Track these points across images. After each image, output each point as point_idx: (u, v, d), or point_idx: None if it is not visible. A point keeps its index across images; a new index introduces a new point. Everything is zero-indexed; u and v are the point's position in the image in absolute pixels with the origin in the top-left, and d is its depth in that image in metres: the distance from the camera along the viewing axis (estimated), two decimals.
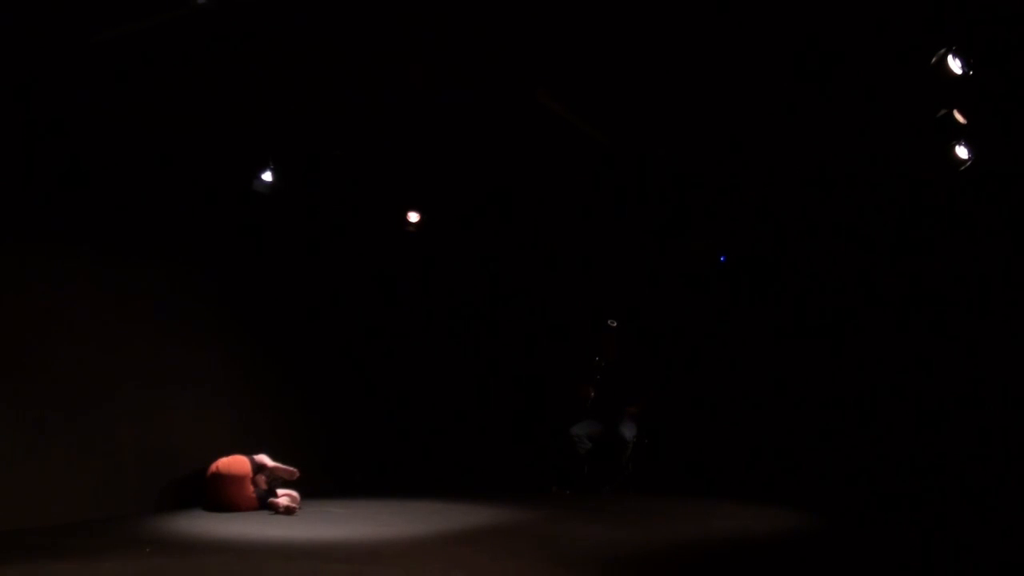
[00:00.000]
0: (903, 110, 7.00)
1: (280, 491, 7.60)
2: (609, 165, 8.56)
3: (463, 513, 7.48)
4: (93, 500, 6.96)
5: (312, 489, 8.01)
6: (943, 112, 6.70)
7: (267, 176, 8.08)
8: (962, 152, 7.06)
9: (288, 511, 7.33)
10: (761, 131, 7.72)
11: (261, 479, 7.63)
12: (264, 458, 7.75)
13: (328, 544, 5.95)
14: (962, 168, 7.14)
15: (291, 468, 7.78)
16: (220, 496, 7.49)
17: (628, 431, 9.31)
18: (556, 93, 7.04)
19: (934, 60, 5.93)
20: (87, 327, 7.12)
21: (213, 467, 7.60)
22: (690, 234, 10.13)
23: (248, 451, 7.78)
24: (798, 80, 6.71)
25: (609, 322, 9.83)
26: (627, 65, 6.53)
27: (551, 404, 10.38)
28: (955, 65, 5.93)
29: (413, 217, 9.55)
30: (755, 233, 9.88)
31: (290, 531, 6.50)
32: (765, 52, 6.31)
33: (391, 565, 5.22)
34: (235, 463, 7.62)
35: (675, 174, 8.79)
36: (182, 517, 7.10)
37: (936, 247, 8.81)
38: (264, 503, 7.50)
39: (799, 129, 7.62)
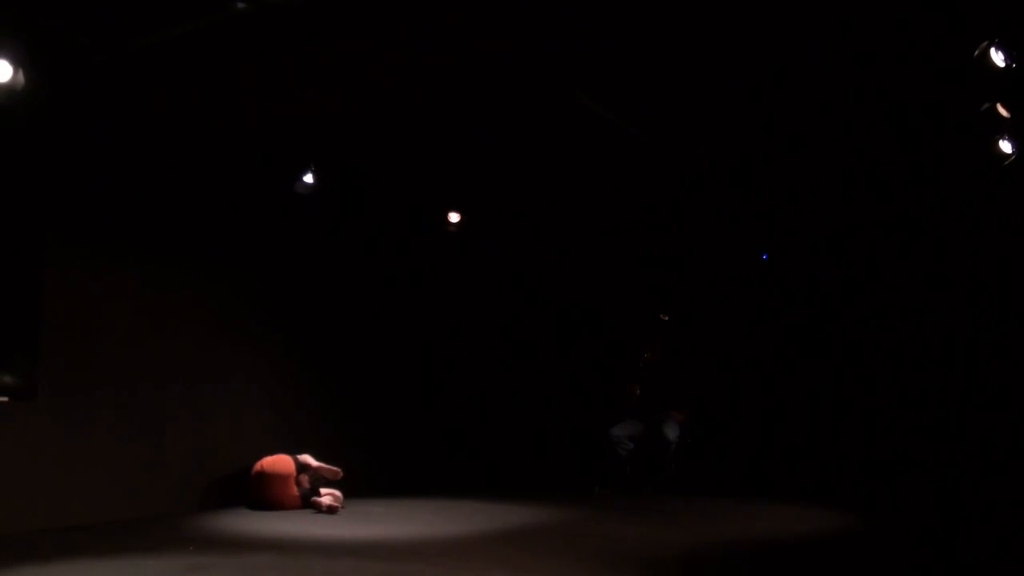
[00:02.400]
0: (945, 104, 6.91)
1: (323, 490, 7.65)
2: (652, 162, 8.51)
3: (505, 513, 7.49)
4: (139, 498, 7.05)
5: (355, 488, 8.05)
6: (986, 106, 6.60)
7: (308, 178, 8.15)
8: (1006, 147, 6.95)
9: (331, 510, 7.37)
10: (801, 127, 7.64)
11: (304, 478, 7.68)
12: (308, 458, 7.80)
13: (370, 543, 5.98)
14: (1006, 163, 7.03)
15: (335, 468, 7.82)
16: (264, 495, 7.56)
17: (671, 431, 9.27)
18: (594, 92, 7.02)
19: (977, 53, 5.84)
20: (134, 327, 7.21)
21: (257, 466, 7.67)
22: (734, 232, 10.06)
23: (292, 451, 7.85)
24: (839, 74, 6.62)
25: (660, 315, 9.80)
26: (665, 61, 6.49)
27: (595, 403, 10.36)
28: (998, 58, 5.84)
29: (454, 217, 9.56)
30: (797, 232, 9.79)
31: (333, 530, 6.54)
32: (805, 46, 6.23)
33: (432, 564, 5.23)
34: (279, 462, 7.68)
35: (717, 171, 8.73)
36: (226, 515, 7.17)
37: (980, 244, 8.68)
38: (307, 502, 7.55)
39: (840, 125, 7.53)
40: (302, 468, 7.71)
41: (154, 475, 7.22)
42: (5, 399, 6.41)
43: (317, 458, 7.86)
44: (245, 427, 8.03)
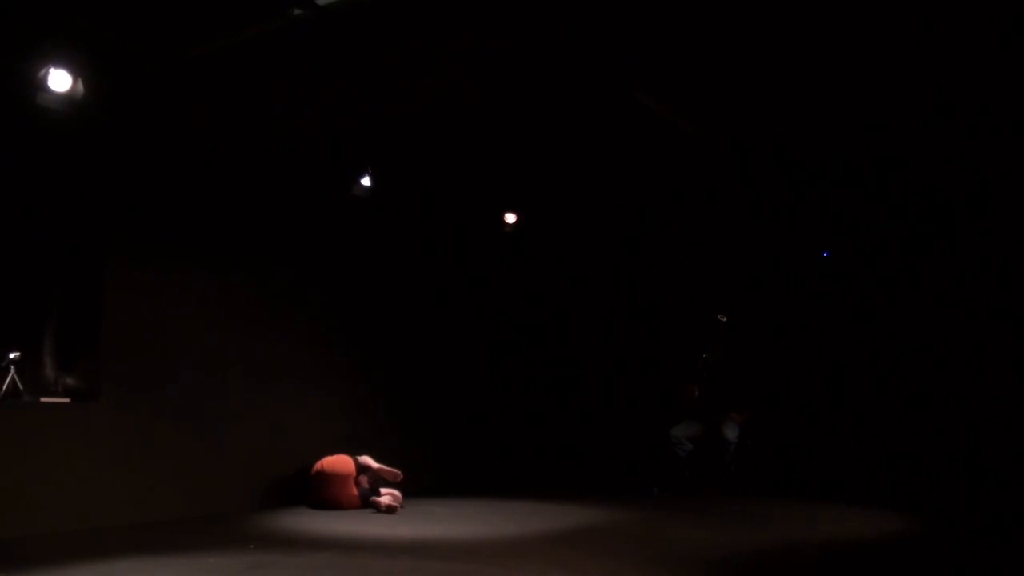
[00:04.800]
0: (1009, 100, 6.78)
1: (383, 490, 7.70)
2: (711, 159, 8.43)
3: (563, 513, 7.48)
4: (199, 497, 7.15)
5: (413, 488, 8.08)
6: None
7: (366, 181, 8.22)
8: None
9: (390, 510, 7.42)
10: (864, 123, 7.52)
11: (364, 479, 7.73)
12: (368, 459, 7.86)
13: (428, 542, 6.00)
14: None
15: (394, 470, 7.86)
16: (324, 494, 7.63)
17: (731, 431, 9.19)
18: (653, 89, 6.97)
19: None
20: (194, 329, 7.32)
21: (318, 465, 7.74)
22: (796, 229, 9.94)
23: (352, 451, 7.90)
24: (901, 70, 6.51)
25: (719, 316, 9.73)
26: (724, 57, 6.42)
27: (654, 403, 10.30)
28: None
29: (510, 218, 9.58)
30: (858, 229, 9.64)
31: (391, 529, 6.58)
32: (871, 39, 6.13)
33: (490, 564, 5.24)
34: (339, 462, 7.74)
35: (778, 167, 8.62)
36: (286, 514, 7.25)
37: None
38: (366, 502, 7.59)
39: (904, 120, 7.41)
40: (362, 469, 7.77)
41: (214, 474, 7.33)
42: (67, 400, 6.55)
43: (377, 458, 7.91)
44: (305, 427, 8.11)
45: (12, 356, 6.29)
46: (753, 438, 9.44)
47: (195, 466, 7.17)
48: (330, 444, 8.02)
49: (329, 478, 7.67)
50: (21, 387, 6.30)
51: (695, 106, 7.36)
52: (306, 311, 8.32)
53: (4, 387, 6.23)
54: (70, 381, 6.66)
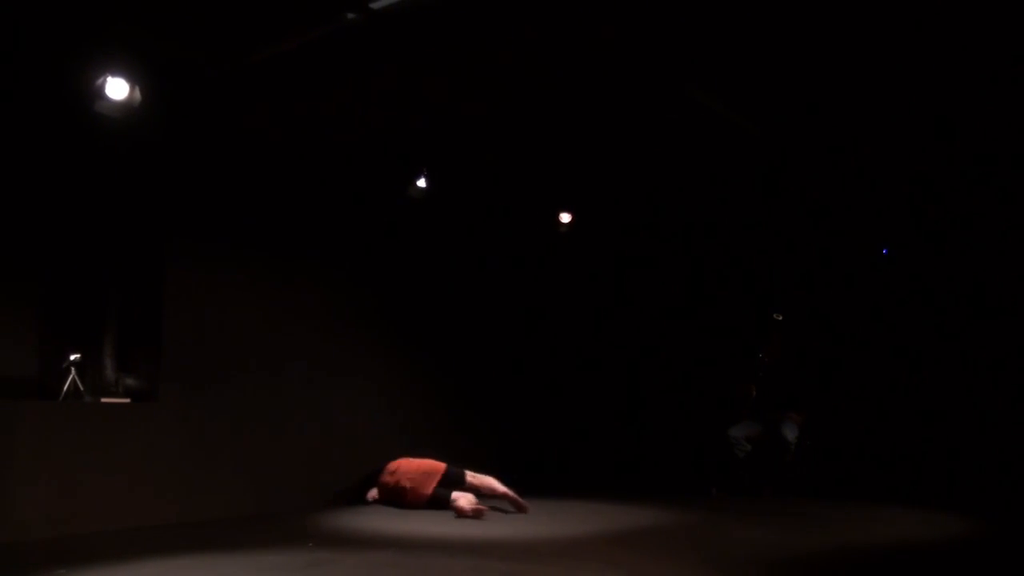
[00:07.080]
0: None
1: (455, 493, 7.44)
2: (767, 155, 8.34)
3: (622, 514, 7.44)
4: (260, 495, 7.24)
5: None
6: None
7: (421, 182, 8.26)
8: None
9: (476, 514, 7.15)
10: (922, 117, 7.40)
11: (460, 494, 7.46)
12: (477, 477, 7.70)
13: (488, 542, 5.99)
14: None
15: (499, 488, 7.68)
16: (397, 495, 7.61)
17: (790, 432, 9.09)
18: (706, 86, 6.92)
19: None
20: (253, 329, 7.40)
21: (393, 466, 7.76)
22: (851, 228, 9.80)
23: (411, 450, 8.00)
24: (956, 65, 6.40)
25: (774, 315, 9.64)
26: (780, 52, 6.35)
27: (712, 403, 10.22)
28: None
29: (565, 218, 9.56)
30: (918, 226, 9.49)
31: (452, 528, 6.58)
32: (924, 43, 6.04)
33: (549, 564, 5.22)
34: (424, 466, 7.72)
35: (836, 163, 8.51)
36: (346, 513, 7.29)
37: None
38: (441, 504, 7.42)
39: (967, 113, 7.27)
40: (456, 479, 7.62)
41: (274, 473, 7.39)
42: (128, 401, 6.63)
43: (436, 458, 7.84)
44: (363, 426, 8.19)
45: (73, 358, 6.42)
46: (812, 438, 9.33)
47: (254, 465, 7.24)
48: (389, 442, 8.14)
49: (406, 480, 7.64)
50: (82, 388, 6.41)
51: (751, 102, 7.28)
52: (364, 311, 8.37)
53: (65, 388, 6.35)
54: (130, 382, 6.75)
